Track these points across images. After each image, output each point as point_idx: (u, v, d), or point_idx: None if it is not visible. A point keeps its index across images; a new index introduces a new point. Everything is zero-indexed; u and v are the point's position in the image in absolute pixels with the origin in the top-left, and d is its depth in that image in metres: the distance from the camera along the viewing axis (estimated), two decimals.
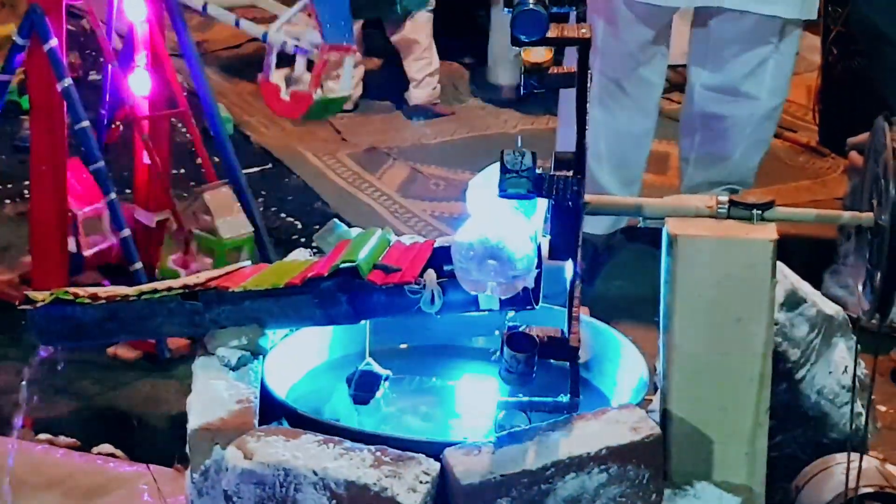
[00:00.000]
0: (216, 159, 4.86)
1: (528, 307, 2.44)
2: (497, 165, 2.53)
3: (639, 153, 4.06)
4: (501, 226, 2.39)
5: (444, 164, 5.03)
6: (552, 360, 2.42)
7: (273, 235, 4.08)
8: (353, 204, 4.66)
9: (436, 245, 2.61)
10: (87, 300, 2.52)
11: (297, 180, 4.89)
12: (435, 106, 5.50)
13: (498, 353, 2.36)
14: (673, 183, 4.51)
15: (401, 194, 4.80)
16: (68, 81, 3.58)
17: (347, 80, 3.65)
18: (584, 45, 2.34)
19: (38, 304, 2.53)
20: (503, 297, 2.42)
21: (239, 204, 3.79)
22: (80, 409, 3.38)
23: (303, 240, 4.37)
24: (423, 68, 5.47)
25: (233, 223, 3.74)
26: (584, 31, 2.33)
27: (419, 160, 5.08)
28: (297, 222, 4.55)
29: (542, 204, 2.46)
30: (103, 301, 2.53)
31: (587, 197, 2.37)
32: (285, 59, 3.86)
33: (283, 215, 4.59)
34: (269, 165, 4.98)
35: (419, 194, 4.81)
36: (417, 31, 5.45)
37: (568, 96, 4.06)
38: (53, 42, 3.56)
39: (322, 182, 4.87)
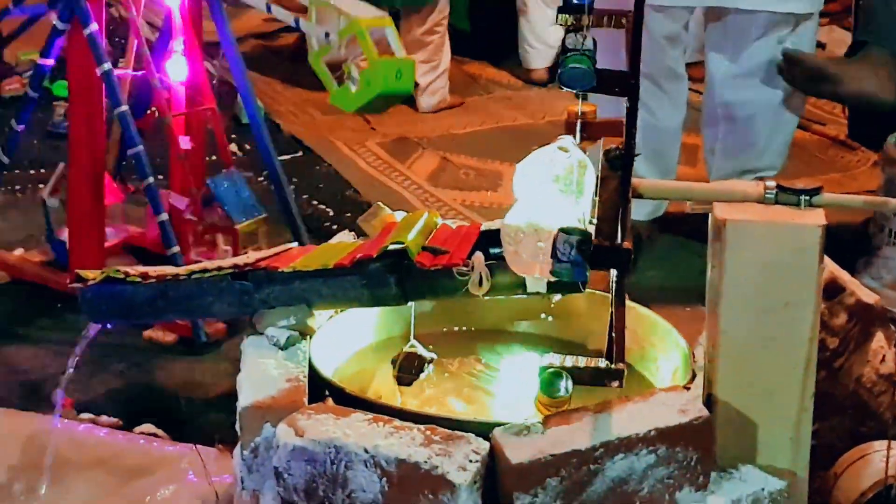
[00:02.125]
0: (248, 146, 4.93)
1: (576, 290, 2.45)
2: (543, 150, 2.56)
3: (673, 146, 4.09)
4: (550, 208, 2.41)
5: (473, 153, 5.06)
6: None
7: (305, 223, 4.11)
8: (383, 192, 4.68)
9: (483, 228, 2.63)
10: (138, 279, 2.53)
11: (328, 168, 4.91)
12: (442, 110, 5.51)
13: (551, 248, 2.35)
14: (702, 175, 4.53)
15: (431, 183, 4.83)
16: (108, 66, 3.61)
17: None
18: (633, 94, 2.36)
19: (89, 283, 2.54)
20: (551, 280, 2.44)
21: (250, 189, 3.80)
22: (117, 391, 3.42)
23: (335, 227, 4.40)
24: (429, 73, 5.47)
25: (244, 209, 3.75)
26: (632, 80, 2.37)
27: (448, 149, 5.10)
28: (328, 209, 4.58)
29: (590, 188, 2.48)
30: (153, 280, 2.54)
31: (635, 180, 2.39)
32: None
33: (314, 202, 4.62)
34: (300, 153, 5.01)
35: (449, 183, 4.83)
36: (426, 32, 5.43)
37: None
38: (93, 27, 3.59)
39: (352, 170, 4.90)
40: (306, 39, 3.93)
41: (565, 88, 2.34)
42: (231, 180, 3.79)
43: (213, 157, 4.66)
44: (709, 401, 2.41)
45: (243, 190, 3.81)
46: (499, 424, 2.33)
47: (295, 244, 2.81)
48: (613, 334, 2.40)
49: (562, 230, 2.31)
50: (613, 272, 2.47)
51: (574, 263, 2.30)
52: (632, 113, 2.43)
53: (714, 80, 4.06)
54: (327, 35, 3.63)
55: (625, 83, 2.38)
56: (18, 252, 4.05)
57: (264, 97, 5.44)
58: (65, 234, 3.82)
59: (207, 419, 3.27)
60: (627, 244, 2.37)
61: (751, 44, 3.92)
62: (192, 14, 3.81)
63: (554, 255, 2.31)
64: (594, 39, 2.42)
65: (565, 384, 2.34)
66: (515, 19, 5.78)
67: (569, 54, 2.35)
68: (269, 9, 4.01)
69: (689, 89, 4.19)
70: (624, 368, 2.37)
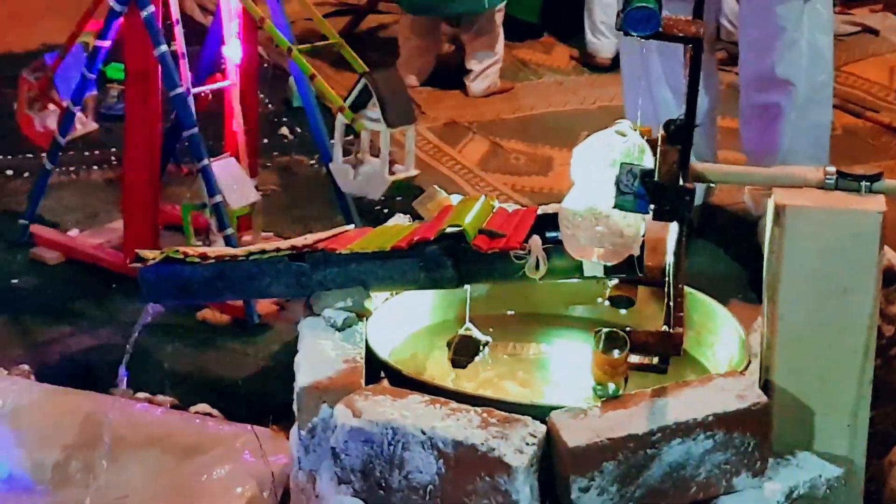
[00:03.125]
0: (299, 129, 4.94)
1: (633, 274, 2.45)
2: (601, 134, 2.55)
3: (710, 129, 4.07)
4: (608, 193, 2.41)
5: (523, 138, 5.05)
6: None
7: (356, 206, 4.11)
8: (433, 176, 4.67)
9: (539, 212, 2.63)
10: (197, 259, 2.56)
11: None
12: (492, 95, 5.50)
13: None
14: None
15: (481, 168, 4.83)
16: (164, 48, 3.63)
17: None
18: (696, 44, 2.33)
19: (149, 263, 2.57)
20: (608, 264, 2.44)
21: (246, 174, 3.79)
22: (172, 371, 3.44)
23: (385, 211, 4.40)
24: (483, 60, 5.46)
25: (240, 193, 3.75)
26: (696, 28, 2.33)
27: (499, 134, 5.09)
28: None
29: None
30: (212, 260, 2.57)
31: (694, 164, 2.38)
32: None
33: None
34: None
35: (499, 168, 4.83)
36: (483, 25, 5.42)
37: (630, 66, 4.08)
38: (150, 9, 3.62)
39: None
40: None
41: (629, 32, 2.28)
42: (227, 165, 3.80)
43: (265, 141, 4.71)
44: (766, 387, 2.41)
45: (239, 175, 3.82)
46: (555, 408, 2.33)
47: (351, 227, 2.82)
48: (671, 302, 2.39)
49: (624, 164, 2.30)
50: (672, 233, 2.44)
51: (637, 195, 2.30)
52: (695, 64, 2.36)
53: (740, 82, 4.02)
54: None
55: (689, 29, 2.33)
56: (73, 233, 4.09)
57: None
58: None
59: (261, 400, 3.29)
60: (676, 338, 2.36)
61: (765, 43, 3.84)
62: None
63: (617, 187, 2.30)
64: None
65: (622, 345, 2.32)
66: (580, 7, 5.76)
67: (622, 193, 2.33)
68: None
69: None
70: (682, 333, 2.35)
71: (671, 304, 2.38)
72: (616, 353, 2.31)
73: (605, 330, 2.32)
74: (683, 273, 2.43)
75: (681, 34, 2.31)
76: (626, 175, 2.31)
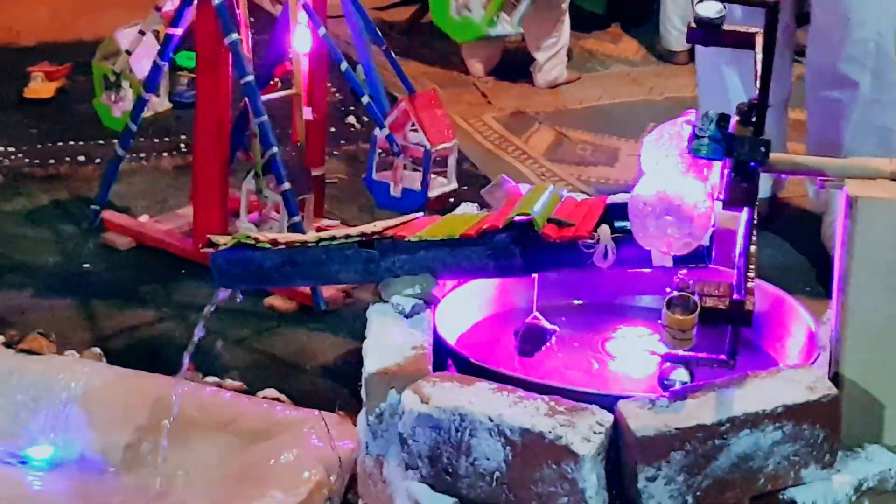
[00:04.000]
0: (366, 119, 4.96)
1: (702, 265, 2.44)
2: (670, 123, 2.55)
3: (780, 121, 4.03)
4: (678, 182, 2.40)
5: (590, 128, 5.04)
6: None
7: None
8: (499, 166, 4.69)
9: (608, 201, 2.63)
10: (267, 245, 2.58)
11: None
12: (559, 86, 5.49)
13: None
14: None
15: (547, 158, 4.83)
16: (235, 36, 3.66)
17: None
18: (772, 8, 2.32)
19: (220, 248, 2.59)
20: (677, 254, 2.44)
21: None
22: (240, 356, 3.47)
23: (451, 200, 4.41)
24: (548, 49, 5.44)
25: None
26: None
27: (565, 124, 5.09)
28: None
29: (718, 163, 2.46)
30: (282, 246, 2.59)
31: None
32: None
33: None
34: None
35: (565, 158, 4.82)
36: (547, 13, 5.41)
37: (708, 58, 4.05)
38: None
39: (468, 144, 4.91)
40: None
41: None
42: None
43: (333, 129, 4.74)
44: (835, 379, 2.39)
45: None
46: (622, 397, 2.33)
47: (419, 214, 2.83)
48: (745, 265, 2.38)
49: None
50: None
51: (713, 139, 2.30)
52: (770, 31, 2.34)
53: (806, 72, 3.96)
54: None
55: None
56: (143, 218, 4.13)
57: (381, 70, 5.45)
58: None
59: (327, 385, 3.32)
60: (749, 304, 2.33)
61: (834, 37, 3.76)
62: None
63: (692, 133, 2.30)
64: None
65: (691, 305, 2.30)
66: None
67: (697, 138, 2.33)
68: None
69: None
70: (753, 303, 2.34)
71: (743, 273, 2.37)
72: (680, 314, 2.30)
73: (676, 293, 2.31)
74: (754, 244, 2.41)
75: None
76: (703, 119, 2.32)
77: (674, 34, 5.65)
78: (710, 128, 2.32)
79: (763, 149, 2.32)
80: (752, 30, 2.50)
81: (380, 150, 3.82)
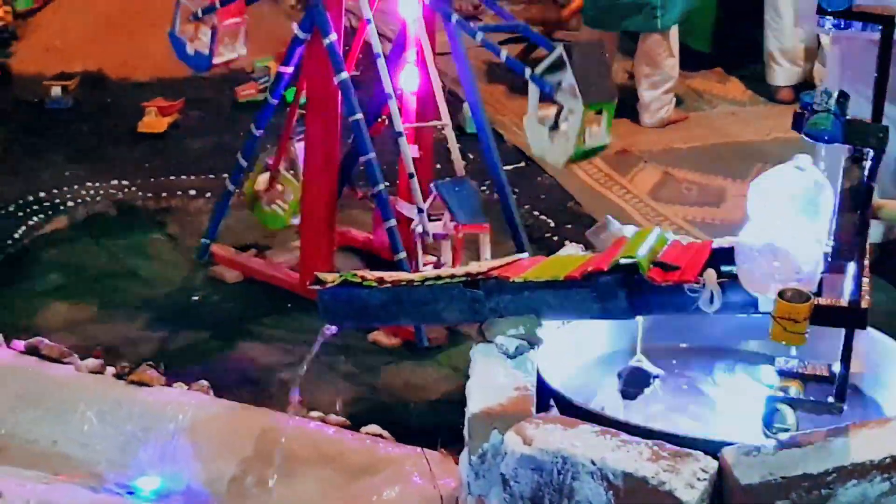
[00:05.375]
0: (471, 156, 4.99)
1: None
2: (780, 168, 2.53)
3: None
4: (787, 228, 2.38)
5: (696, 168, 5.01)
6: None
7: (526, 232, 4.13)
8: (604, 205, 4.68)
9: (714, 245, 2.62)
10: (374, 283, 2.61)
11: (550, 179, 4.93)
12: (666, 126, 5.46)
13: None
14: None
15: (652, 197, 4.81)
16: (345, 75, 3.71)
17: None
18: (888, 23, 2.29)
19: (328, 285, 2.63)
20: None
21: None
22: (344, 391, 3.50)
23: (556, 238, 4.43)
24: (654, 88, 5.42)
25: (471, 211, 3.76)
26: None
27: (671, 164, 5.07)
28: (549, 220, 4.60)
29: (827, 208, 2.44)
30: (389, 285, 2.61)
31: (879, 201, 2.34)
32: None
33: (536, 213, 4.64)
34: (523, 164, 5.04)
35: (671, 198, 4.80)
36: (655, 49, 5.40)
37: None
38: (333, 37, 3.71)
39: (574, 182, 4.91)
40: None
41: (824, 11, 2.28)
42: (460, 185, 3.84)
43: (439, 166, 4.77)
44: None
45: (472, 196, 3.86)
46: (727, 443, 2.32)
47: (525, 255, 2.84)
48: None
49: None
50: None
51: (832, 112, 2.25)
52: (885, 46, 2.32)
53: None
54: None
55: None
56: (251, 252, 4.19)
57: (488, 107, 5.48)
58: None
59: (430, 422, 3.33)
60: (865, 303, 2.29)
61: None
62: (427, 24, 3.88)
63: (811, 109, 2.27)
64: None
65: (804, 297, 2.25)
66: (759, 35, 5.70)
67: (814, 113, 2.30)
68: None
69: None
70: (868, 305, 2.31)
71: (858, 275, 2.33)
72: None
73: (790, 290, 2.28)
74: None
75: (871, 13, 2.29)
76: (821, 95, 2.28)
77: (777, 69, 5.61)
78: (830, 103, 2.27)
79: (881, 135, 2.26)
80: None
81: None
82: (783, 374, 2.34)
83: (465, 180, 3.83)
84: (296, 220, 4.00)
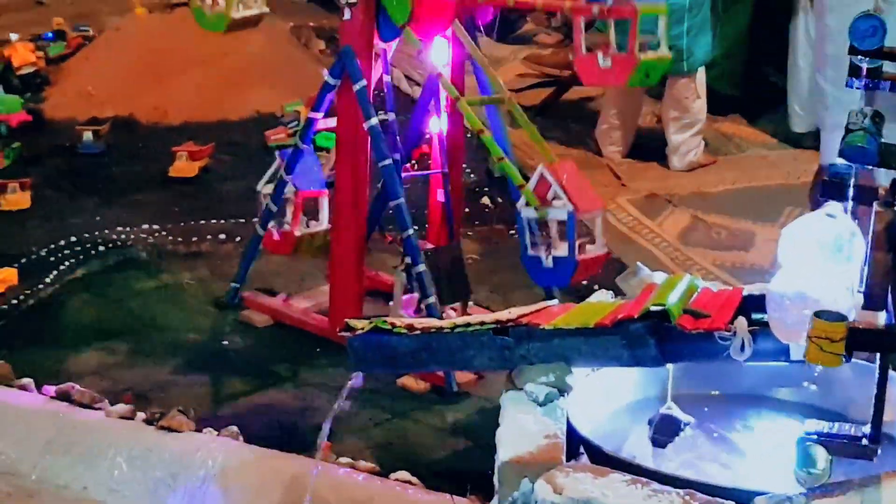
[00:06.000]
0: (500, 199, 5.01)
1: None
2: (811, 215, 2.53)
3: None
4: (817, 276, 2.38)
5: (726, 212, 5.00)
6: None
7: None
8: (633, 249, 4.68)
9: (745, 292, 2.61)
10: (404, 330, 2.61)
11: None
12: (695, 169, 5.46)
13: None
14: None
15: (682, 241, 4.80)
16: (375, 120, 3.73)
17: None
18: None
19: (358, 332, 2.64)
20: None
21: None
22: (373, 436, 3.49)
23: (584, 282, 4.41)
24: (683, 132, 5.42)
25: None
26: None
27: (700, 208, 5.06)
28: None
29: (859, 256, 2.44)
30: (419, 332, 2.62)
31: None
32: None
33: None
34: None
35: (700, 242, 4.79)
36: (682, 92, 5.40)
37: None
38: (362, 83, 3.73)
39: (603, 226, 4.90)
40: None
41: (846, 162, 2.30)
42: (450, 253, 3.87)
43: (468, 210, 4.78)
44: None
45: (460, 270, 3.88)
46: (758, 493, 2.30)
47: (554, 301, 2.84)
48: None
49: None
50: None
51: (867, 130, 2.25)
52: None
53: None
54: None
55: None
56: (281, 297, 4.21)
57: (516, 151, 5.49)
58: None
59: (459, 468, 3.31)
60: None
61: None
62: (455, 71, 3.90)
63: (846, 128, 2.26)
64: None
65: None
66: (783, 81, 5.70)
67: (850, 132, 2.30)
68: None
69: None
70: (878, 448, 2.31)
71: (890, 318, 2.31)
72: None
73: (825, 312, 2.26)
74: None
75: None
76: (857, 115, 2.28)
77: (797, 117, 5.60)
78: (865, 122, 2.26)
79: None
80: None
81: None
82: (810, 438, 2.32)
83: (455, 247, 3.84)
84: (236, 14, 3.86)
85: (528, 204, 3.56)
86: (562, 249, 3.58)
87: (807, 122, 5.57)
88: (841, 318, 2.25)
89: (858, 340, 2.26)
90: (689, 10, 5.23)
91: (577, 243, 3.59)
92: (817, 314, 2.25)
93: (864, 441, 2.34)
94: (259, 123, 5.66)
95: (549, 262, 3.59)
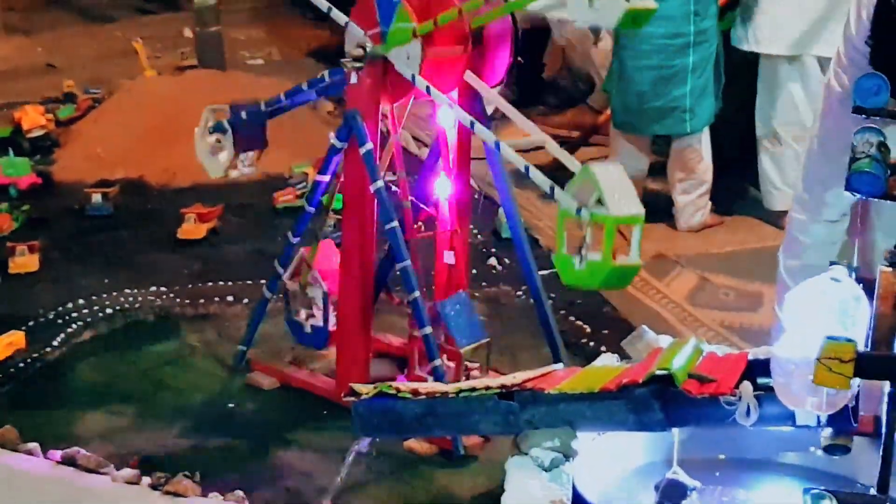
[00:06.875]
0: (507, 260, 5.01)
1: (848, 425, 2.40)
2: (816, 280, 2.52)
3: None
4: (823, 340, 2.37)
5: (733, 273, 4.99)
6: None
7: (562, 338, 4.13)
8: (640, 310, 4.67)
9: (750, 357, 2.61)
10: (409, 395, 2.61)
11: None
12: (702, 230, 5.46)
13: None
14: None
15: (689, 302, 4.79)
16: (381, 183, 3.75)
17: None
18: None
19: (363, 397, 2.63)
20: (823, 414, 2.40)
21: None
22: (379, 500, 3.48)
23: (591, 344, 4.41)
24: (688, 193, 5.42)
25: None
26: None
27: (707, 268, 5.06)
28: (585, 326, 4.58)
29: (863, 319, 2.43)
30: (424, 397, 2.62)
31: None
32: None
33: (571, 318, 4.63)
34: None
35: (708, 303, 4.78)
36: (687, 153, 5.40)
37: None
38: (369, 146, 3.75)
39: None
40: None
41: (853, 193, 2.29)
42: (460, 303, 3.86)
43: (475, 271, 4.79)
44: None
45: (471, 314, 3.88)
46: None
47: (559, 366, 2.84)
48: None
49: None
50: None
51: (873, 158, 2.23)
52: None
53: None
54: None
55: None
56: (287, 360, 4.20)
57: (523, 212, 5.50)
58: (301, 316, 4.05)
59: None
60: None
61: None
62: (462, 132, 3.91)
63: (852, 155, 2.25)
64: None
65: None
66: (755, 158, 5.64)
67: (855, 160, 2.30)
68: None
69: None
70: (886, 499, 2.28)
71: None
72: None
73: (829, 339, 2.24)
74: None
75: None
76: (863, 143, 2.26)
77: (774, 194, 5.42)
78: (872, 150, 2.26)
79: None
80: None
81: None
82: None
83: (461, 297, 3.84)
84: None
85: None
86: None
87: (786, 200, 5.47)
88: (850, 340, 2.22)
89: (869, 367, 2.24)
90: (693, 70, 5.24)
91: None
92: (827, 337, 2.23)
93: (873, 490, 2.32)
94: (267, 185, 5.68)
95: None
